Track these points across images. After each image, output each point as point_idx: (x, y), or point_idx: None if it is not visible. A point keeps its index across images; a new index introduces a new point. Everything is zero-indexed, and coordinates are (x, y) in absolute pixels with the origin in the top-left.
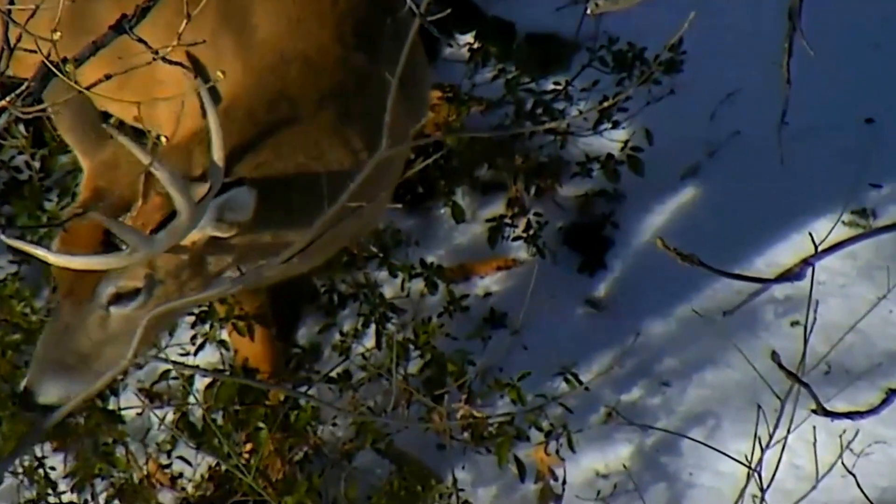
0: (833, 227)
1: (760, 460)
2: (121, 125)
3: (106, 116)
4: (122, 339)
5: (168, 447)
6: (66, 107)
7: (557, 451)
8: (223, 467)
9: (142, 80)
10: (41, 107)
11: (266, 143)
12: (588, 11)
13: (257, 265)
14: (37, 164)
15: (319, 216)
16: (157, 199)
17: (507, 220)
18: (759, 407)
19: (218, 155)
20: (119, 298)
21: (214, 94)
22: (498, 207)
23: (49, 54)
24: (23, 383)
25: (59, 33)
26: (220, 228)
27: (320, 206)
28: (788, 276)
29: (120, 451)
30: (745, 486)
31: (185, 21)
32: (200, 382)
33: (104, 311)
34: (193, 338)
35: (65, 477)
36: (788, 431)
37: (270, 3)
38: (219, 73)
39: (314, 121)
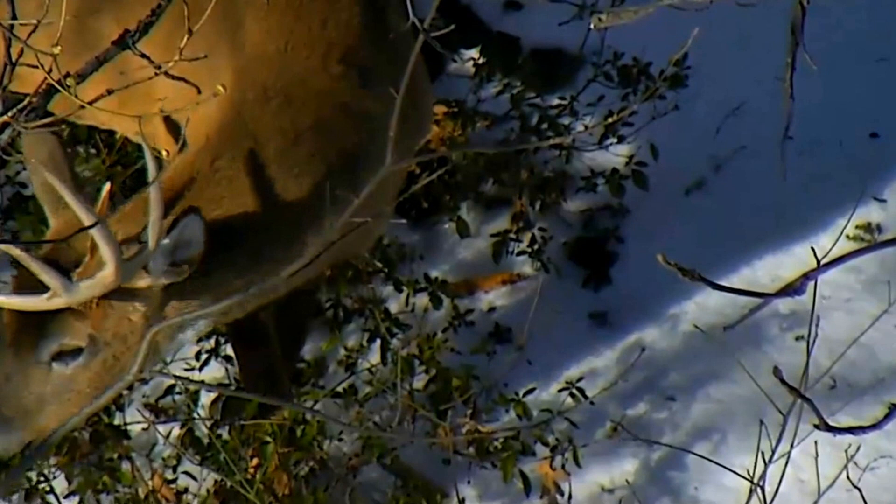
0: (836, 242)
1: (763, 475)
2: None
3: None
4: (64, 397)
5: (174, 462)
6: (41, 165)
7: (563, 466)
8: (229, 483)
9: (140, 98)
10: (44, 121)
11: (224, 190)
12: (592, 26)
13: (266, 281)
14: None
15: (284, 256)
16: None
17: (512, 235)
18: (762, 422)
19: (155, 216)
20: (61, 356)
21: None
22: (503, 222)
23: (50, 70)
24: None
25: (59, 48)
26: (174, 273)
27: (286, 243)
28: (790, 290)
29: (125, 466)
30: (749, 500)
31: (181, 37)
32: (206, 397)
33: (46, 366)
34: (198, 353)
35: (67, 496)
36: (792, 446)
37: (263, 25)
38: (219, 87)
39: (283, 161)
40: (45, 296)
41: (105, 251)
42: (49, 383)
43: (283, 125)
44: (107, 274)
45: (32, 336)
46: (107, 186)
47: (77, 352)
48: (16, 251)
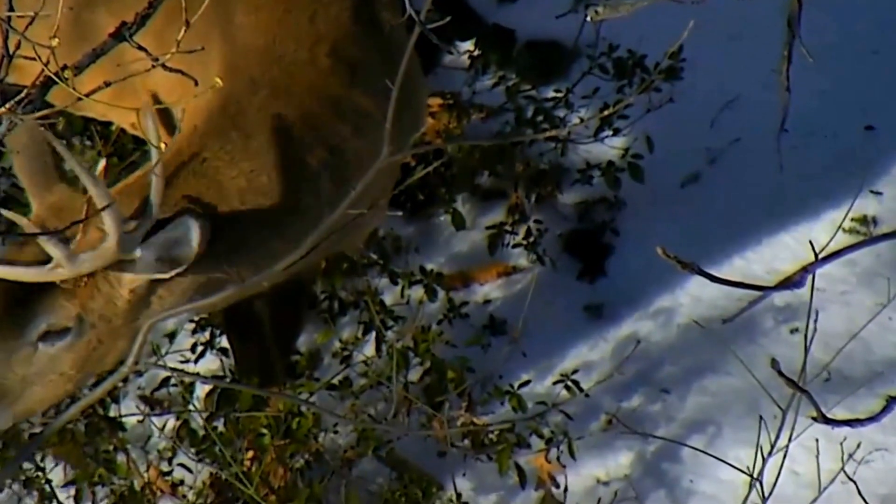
0: (833, 235)
1: (762, 469)
2: (63, 171)
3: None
4: (47, 379)
5: (169, 454)
6: (23, 149)
7: (558, 458)
8: (224, 475)
9: (135, 89)
10: (42, 113)
11: (210, 181)
12: (588, 18)
13: (260, 274)
14: None
15: (269, 250)
16: (96, 233)
17: (508, 228)
18: (761, 417)
19: (156, 190)
20: (48, 336)
21: (170, 124)
22: (498, 215)
23: (48, 62)
24: None
25: (56, 40)
26: (163, 268)
27: (271, 238)
28: (788, 284)
29: (121, 459)
30: (749, 494)
31: (174, 30)
32: (201, 389)
33: (32, 347)
34: (194, 345)
35: (64, 486)
36: (790, 439)
37: (252, 18)
38: (217, 80)
39: (268, 153)
40: (48, 266)
41: (108, 223)
42: (34, 364)
43: (269, 117)
44: (109, 245)
45: (19, 316)
46: (102, 162)
47: (64, 332)
48: (23, 220)
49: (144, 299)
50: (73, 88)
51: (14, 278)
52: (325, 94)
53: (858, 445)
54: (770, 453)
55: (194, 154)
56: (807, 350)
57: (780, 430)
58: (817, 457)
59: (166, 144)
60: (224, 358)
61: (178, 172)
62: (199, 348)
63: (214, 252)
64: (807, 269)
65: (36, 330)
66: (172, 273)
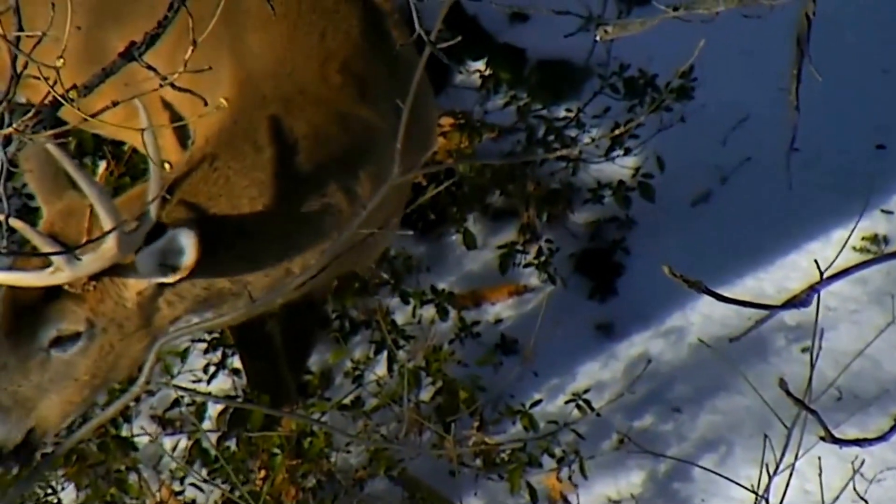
0: (839, 253)
1: (768, 487)
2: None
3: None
4: (62, 385)
5: (181, 474)
6: (34, 156)
7: (570, 478)
8: (236, 494)
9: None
10: (50, 132)
11: (220, 189)
12: (598, 38)
13: (273, 292)
14: None
15: (276, 263)
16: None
17: (519, 247)
18: (766, 436)
19: (154, 194)
20: (59, 342)
21: (185, 132)
22: (509, 234)
23: (55, 83)
24: None
25: (62, 60)
26: (165, 274)
27: (279, 250)
28: (795, 302)
29: (133, 478)
30: None
31: (183, 50)
32: (213, 409)
33: (45, 353)
34: (206, 366)
35: None
36: (796, 458)
37: (262, 35)
38: (222, 101)
39: (279, 167)
40: (48, 270)
41: (107, 223)
42: (47, 371)
43: (280, 132)
44: (109, 247)
45: (30, 322)
46: (102, 164)
47: (75, 337)
48: (19, 224)
49: (152, 303)
50: (79, 109)
51: (16, 284)
52: (334, 110)
53: (863, 462)
54: (776, 472)
55: (204, 159)
56: (813, 367)
57: (784, 448)
58: (820, 475)
59: (171, 165)
60: (236, 378)
61: (187, 177)
62: (212, 369)
63: (220, 259)
64: (815, 288)
65: (47, 335)
66: (176, 278)
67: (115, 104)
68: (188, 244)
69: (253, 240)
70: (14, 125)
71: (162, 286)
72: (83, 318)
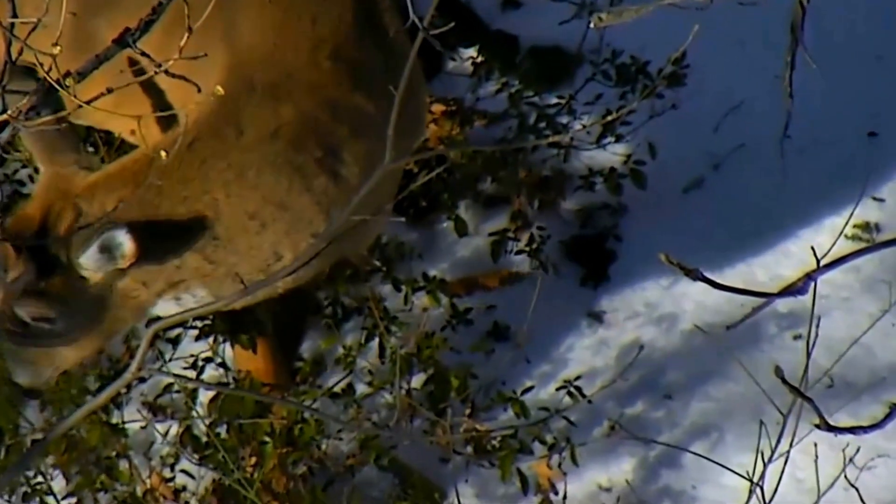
0: (835, 241)
1: (763, 474)
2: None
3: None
4: (70, 349)
5: (172, 460)
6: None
7: (560, 465)
8: (227, 481)
9: (135, 97)
10: (43, 119)
11: (195, 172)
12: (592, 25)
13: (262, 279)
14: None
15: (259, 246)
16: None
17: (510, 234)
18: (762, 422)
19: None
20: (40, 319)
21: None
22: (501, 221)
23: (49, 70)
24: None
25: (58, 47)
26: (112, 263)
27: (257, 233)
28: (791, 290)
29: (123, 465)
30: (748, 501)
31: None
32: (204, 396)
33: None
34: (195, 361)
35: (65, 497)
36: (791, 445)
37: (254, 20)
38: (218, 88)
39: (261, 150)
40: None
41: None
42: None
43: (265, 115)
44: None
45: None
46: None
47: (51, 319)
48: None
49: (118, 283)
50: (75, 96)
51: None
52: (324, 96)
53: (857, 450)
54: (770, 459)
55: (186, 143)
56: (809, 356)
57: (780, 435)
58: (815, 461)
59: (167, 152)
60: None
61: (168, 176)
62: (204, 356)
63: (192, 244)
64: (809, 276)
65: (24, 313)
66: (125, 265)
67: (109, 91)
68: (124, 239)
69: (228, 222)
70: (8, 112)
71: (122, 270)
72: (49, 306)
